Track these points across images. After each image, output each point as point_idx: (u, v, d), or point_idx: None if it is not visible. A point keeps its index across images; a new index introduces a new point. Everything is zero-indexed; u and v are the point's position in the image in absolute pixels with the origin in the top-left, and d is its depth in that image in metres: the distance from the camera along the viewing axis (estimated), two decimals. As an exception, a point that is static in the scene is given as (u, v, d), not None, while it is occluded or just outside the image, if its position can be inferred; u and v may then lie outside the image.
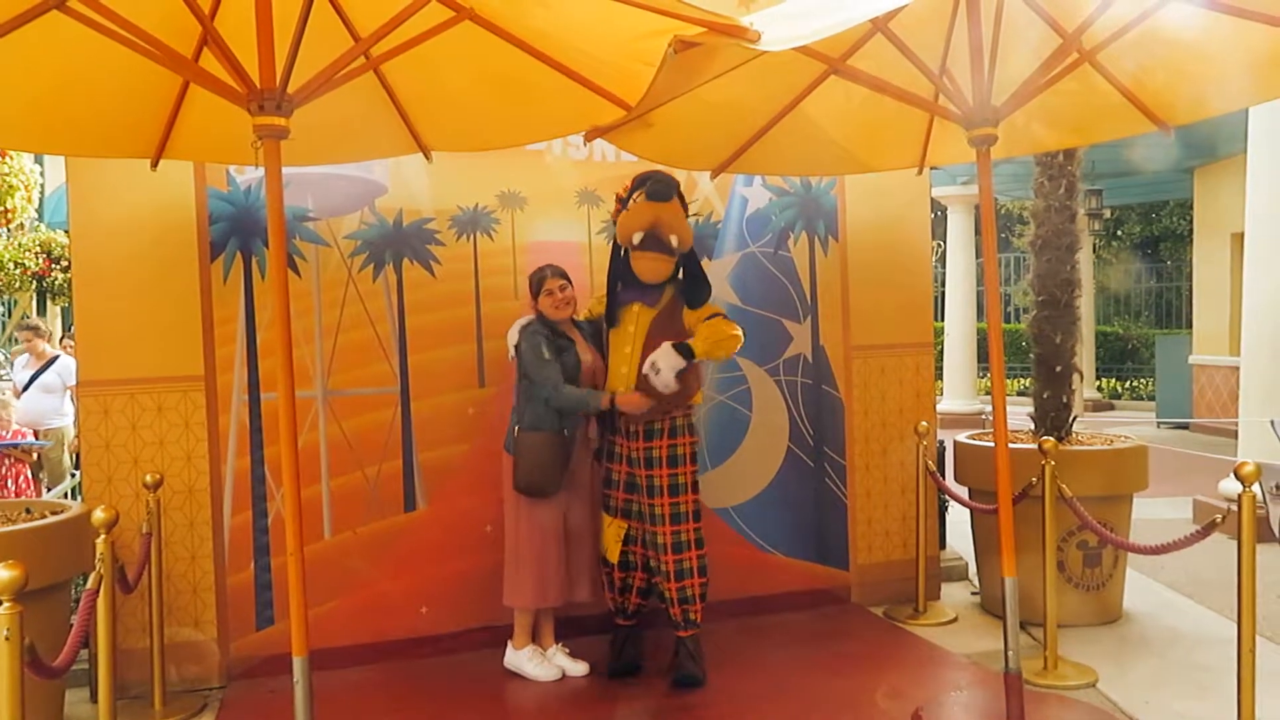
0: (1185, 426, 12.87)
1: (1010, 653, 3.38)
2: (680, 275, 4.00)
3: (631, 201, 3.93)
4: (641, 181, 3.93)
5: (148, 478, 3.82)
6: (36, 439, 7.20)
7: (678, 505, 3.87)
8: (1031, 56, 3.45)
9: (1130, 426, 11.33)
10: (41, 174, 6.72)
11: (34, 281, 9.58)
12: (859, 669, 4.07)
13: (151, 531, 3.75)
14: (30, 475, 6.41)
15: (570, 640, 4.15)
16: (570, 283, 4.02)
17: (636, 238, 3.85)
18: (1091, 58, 3.58)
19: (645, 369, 3.76)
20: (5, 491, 6.01)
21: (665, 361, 3.73)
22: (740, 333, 3.91)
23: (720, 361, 4.07)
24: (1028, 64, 3.44)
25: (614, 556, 4.00)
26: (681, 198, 3.98)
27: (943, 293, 14.58)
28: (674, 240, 3.86)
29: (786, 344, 4.94)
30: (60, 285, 9.59)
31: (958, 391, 13.82)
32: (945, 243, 14.09)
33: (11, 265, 9.28)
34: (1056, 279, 4.87)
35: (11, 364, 7.45)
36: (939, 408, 5.75)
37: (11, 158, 4.34)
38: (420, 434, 4.37)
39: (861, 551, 5.04)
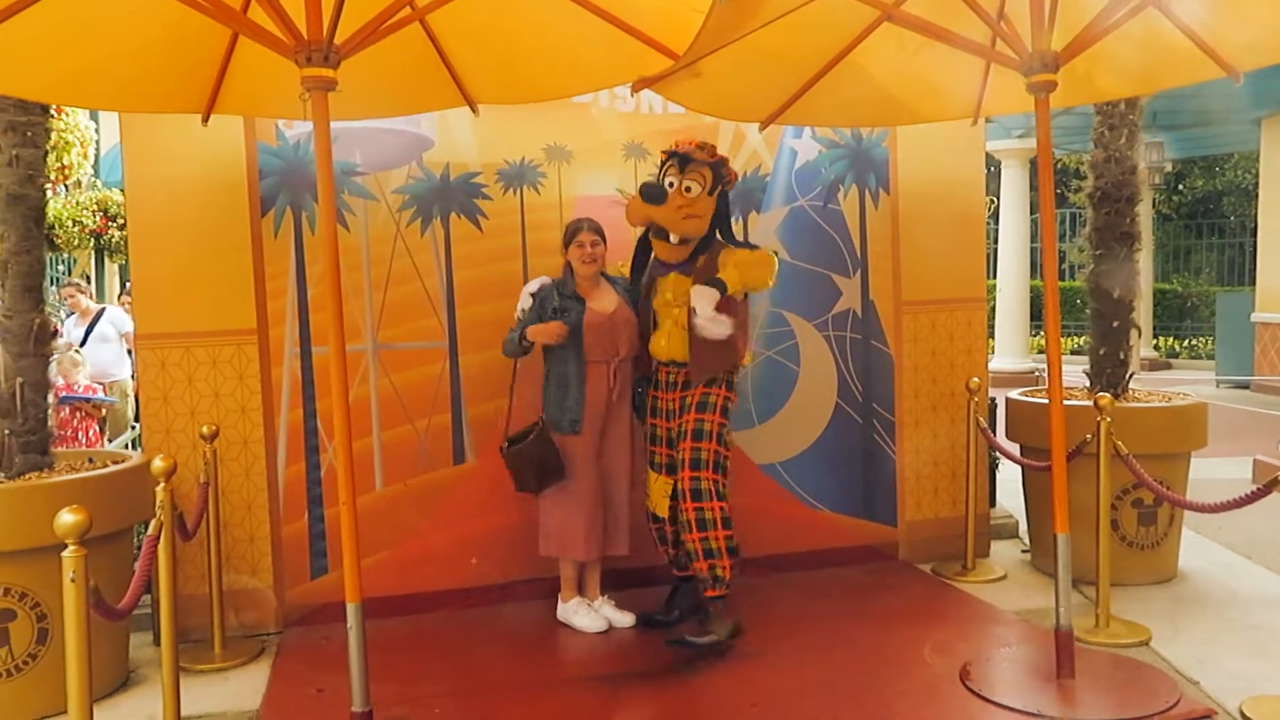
0: (1246, 386, 12.56)
1: (1061, 609, 3.35)
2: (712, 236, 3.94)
3: (630, 198, 3.96)
4: (668, 158, 3.91)
5: (204, 429, 3.90)
6: (105, 394, 7.42)
7: (698, 450, 3.76)
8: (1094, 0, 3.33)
9: (1188, 385, 11.09)
10: (96, 132, 6.83)
11: (91, 239, 9.77)
12: (906, 624, 4.06)
13: (209, 481, 3.84)
14: (99, 430, 6.60)
15: (619, 592, 4.19)
16: (604, 240, 4.00)
17: (642, 229, 3.97)
18: (1158, 1, 3.44)
19: (694, 321, 3.72)
20: (74, 444, 6.20)
21: (699, 301, 3.67)
22: (772, 254, 3.86)
23: (762, 290, 3.97)
24: (1090, 8, 3.32)
25: (664, 511, 4.01)
26: (719, 178, 3.85)
27: (995, 250, 14.30)
28: (674, 237, 3.85)
29: (835, 299, 4.88)
30: (117, 243, 9.77)
31: (1010, 350, 13.59)
32: (998, 198, 13.79)
33: (70, 223, 9.46)
34: (1115, 232, 4.75)
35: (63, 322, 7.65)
36: (990, 366, 5.66)
37: (67, 115, 4.40)
38: (468, 388, 4.40)
39: (910, 508, 5.01)
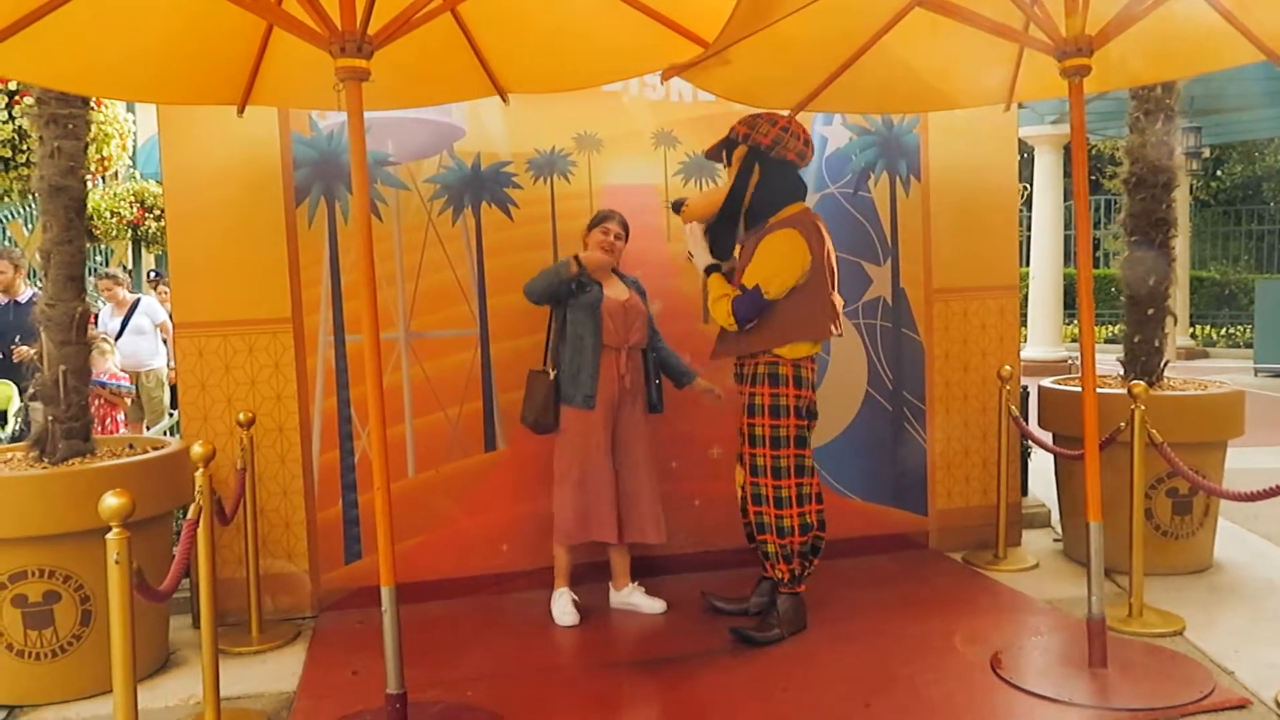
0: (1285, 375, 12.37)
1: (1094, 597, 3.33)
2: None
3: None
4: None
5: (241, 416, 3.96)
6: (139, 382, 7.55)
7: (754, 457, 3.77)
8: (1130, -18, 3.29)
9: (1226, 374, 10.93)
10: (134, 124, 6.92)
11: (129, 230, 9.91)
12: (937, 612, 4.05)
13: (246, 467, 3.90)
14: (124, 419, 6.70)
15: (649, 579, 4.22)
16: (627, 239, 4.06)
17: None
18: (1195, -18, 3.40)
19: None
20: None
21: (691, 243, 3.84)
22: (728, 320, 3.68)
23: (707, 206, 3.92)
24: (1126, -10, 3.29)
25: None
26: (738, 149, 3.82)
27: (1028, 237, 14.16)
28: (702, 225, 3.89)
29: (866, 286, 4.86)
30: (154, 234, 9.91)
31: (1043, 339, 13.47)
32: (1031, 185, 13.64)
33: (108, 214, 9.61)
34: (1151, 218, 4.69)
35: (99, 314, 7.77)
36: (1022, 355, 5.61)
37: (106, 107, 4.48)
38: (500, 375, 4.44)
39: (940, 496, 4.99)
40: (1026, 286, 13.21)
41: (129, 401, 6.93)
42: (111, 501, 2.34)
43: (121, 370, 7.35)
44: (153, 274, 9.77)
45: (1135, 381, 4.16)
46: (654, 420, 4.19)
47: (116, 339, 7.63)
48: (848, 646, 3.72)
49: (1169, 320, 4.78)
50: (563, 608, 4.05)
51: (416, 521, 4.35)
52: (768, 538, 3.77)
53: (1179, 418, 4.34)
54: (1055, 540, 5.12)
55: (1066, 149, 13.59)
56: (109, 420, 6.55)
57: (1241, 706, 3.12)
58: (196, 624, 3.94)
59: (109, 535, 2.34)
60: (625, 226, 4.05)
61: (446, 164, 4.37)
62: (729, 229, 3.86)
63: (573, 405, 3.97)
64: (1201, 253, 19.72)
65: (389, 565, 2.96)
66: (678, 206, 3.96)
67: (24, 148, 4.28)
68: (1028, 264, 13.72)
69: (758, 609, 3.99)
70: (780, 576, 3.79)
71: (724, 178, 3.81)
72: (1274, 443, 7.09)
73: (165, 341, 7.74)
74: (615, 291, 4.03)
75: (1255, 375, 12.74)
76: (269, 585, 4.17)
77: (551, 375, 3.98)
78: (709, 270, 3.80)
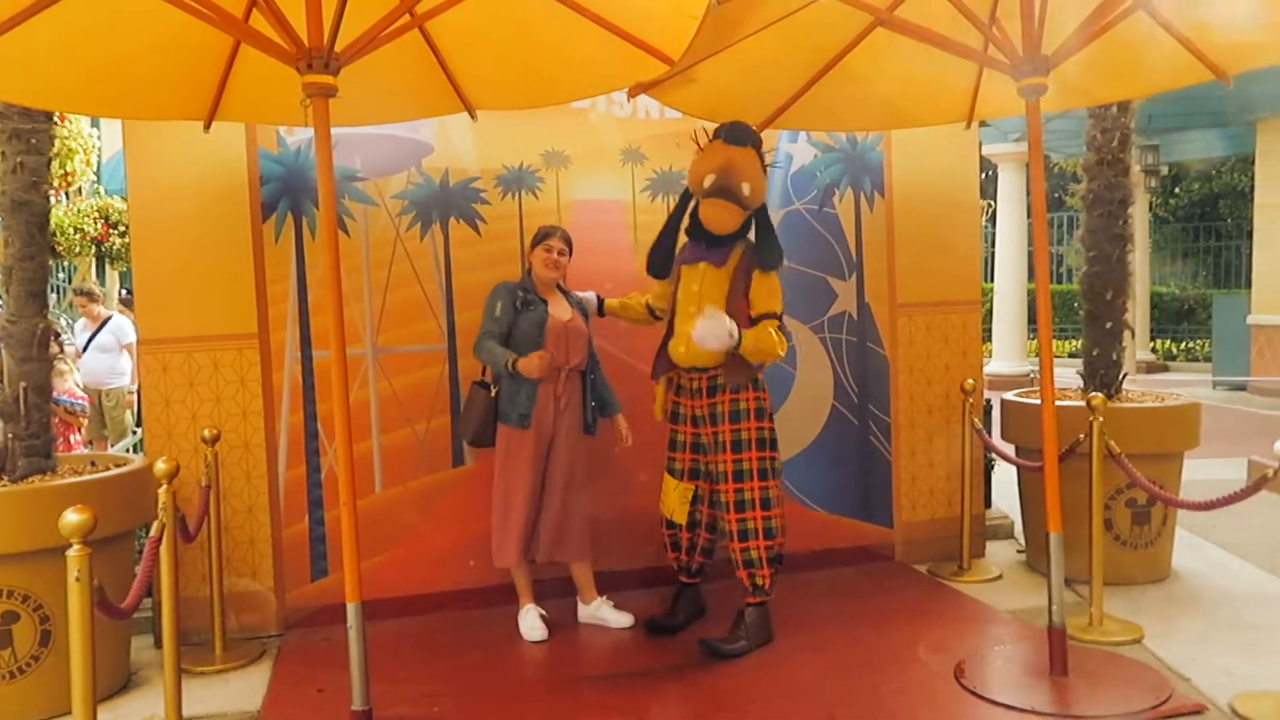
0: (1243, 387, 12.60)
1: (1055, 607, 3.38)
2: (751, 234, 3.87)
3: (708, 145, 3.81)
4: (720, 129, 3.81)
5: (205, 432, 3.93)
6: (100, 401, 7.48)
7: (740, 462, 3.81)
8: (1083, 3, 3.37)
9: (1185, 387, 11.12)
10: (99, 139, 6.86)
11: (93, 246, 9.79)
12: (902, 623, 4.09)
13: (210, 484, 3.87)
14: (80, 438, 6.62)
15: (618, 594, 4.23)
16: (570, 254, 4.06)
17: (708, 181, 3.69)
18: (1146, 4, 3.49)
19: (695, 336, 3.64)
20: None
21: (709, 333, 3.61)
22: (783, 353, 3.82)
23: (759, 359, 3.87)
24: (1081, 12, 3.37)
25: (681, 518, 4.01)
26: (759, 150, 3.80)
27: (992, 253, 14.35)
28: (746, 189, 3.68)
29: (831, 301, 4.92)
30: (118, 250, 9.79)
31: (1007, 353, 13.63)
32: (995, 202, 13.84)
33: (71, 230, 9.47)
34: (1108, 234, 4.78)
35: (73, 328, 7.71)
36: (987, 369, 5.70)
37: (70, 122, 4.44)
38: (467, 391, 4.43)
39: (906, 509, 5.04)
40: (990, 302, 13.38)
41: (84, 421, 6.85)
42: (72, 518, 2.32)
43: (84, 388, 7.28)
44: (124, 292, 9.66)
45: (1094, 394, 4.24)
46: (633, 432, 4.21)
47: (83, 351, 7.58)
48: (813, 658, 3.75)
49: (1126, 334, 4.88)
50: (530, 623, 4.04)
51: (383, 537, 4.33)
52: (754, 543, 3.79)
53: (1137, 429, 4.42)
54: (1019, 551, 5.19)
55: (1028, 166, 13.82)
56: (63, 439, 6.47)
57: (1197, 712, 3.18)
58: (159, 643, 3.92)
59: (69, 552, 2.32)
60: (568, 242, 4.06)
61: (415, 180, 4.38)
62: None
63: (508, 423, 3.97)
64: (1162, 268, 20.08)
65: (354, 582, 2.96)
66: (742, 136, 3.73)
67: (-15, 163, 4.22)
68: (992, 279, 13.91)
69: (686, 621, 4.05)
70: (761, 583, 3.83)
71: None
72: (1230, 454, 7.22)
73: (132, 359, 7.67)
74: (559, 311, 4.03)
75: (1214, 388, 12.98)
76: (233, 603, 4.13)
77: (493, 392, 3.98)
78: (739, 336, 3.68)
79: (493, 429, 4.00)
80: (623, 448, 4.23)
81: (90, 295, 7.93)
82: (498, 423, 4.00)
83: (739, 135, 3.74)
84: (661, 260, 3.99)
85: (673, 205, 4.04)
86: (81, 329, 7.86)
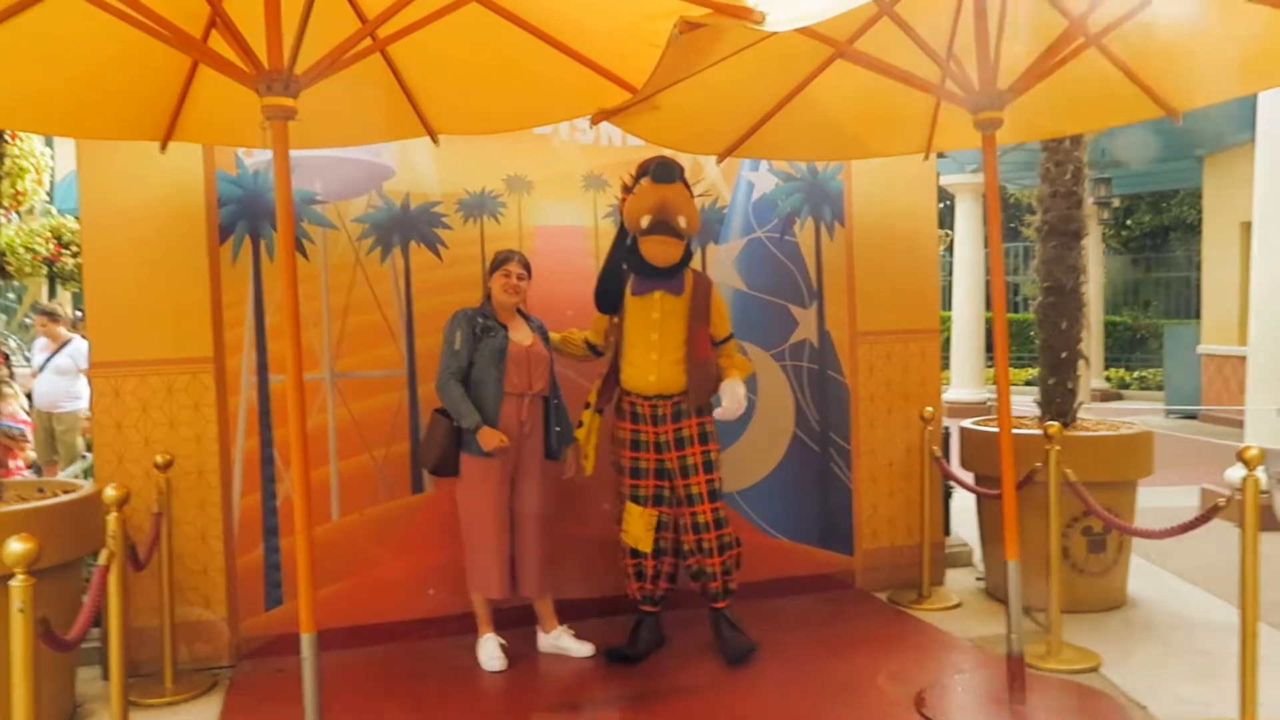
0: (1194, 416, 12.83)
1: (1013, 635, 3.40)
2: (695, 261, 4.08)
3: (637, 186, 3.97)
4: (646, 167, 3.96)
5: (158, 458, 3.85)
6: (51, 424, 7.34)
7: (713, 481, 3.99)
8: (1037, 40, 3.45)
9: (1138, 416, 11.31)
10: (52, 158, 6.75)
11: (45, 266, 9.60)
12: (862, 652, 4.09)
13: (162, 511, 3.79)
14: (22, 464, 6.48)
15: (578, 623, 4.18)
16: (530, 278, 4.04)
17: (644, 221, 3.88)
18: (1098, 41, 3.57)
19: (719, 416, 3.95)
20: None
21: (734, 402, 3.95)
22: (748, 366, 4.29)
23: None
24: (1034, 48, 3.44)
25: (647, 546, 4.00)
26: (686, 181, 3.99)
27: (950, 282, 14.55)
28: (682, 222, 3.89)
29: (792, 329, 4.95)
30: (71, 270, 9.61)
31: (965, 381, 13.80)
32: (953, 231, 14.04)
33: (22, 250, 9.29)
34: (1062, 265, 4.87)
35: (30, 348, 7.57)
36: (946, 397, 5.74)
37: (22, 140, 4.36)
38: (427, 417, 4.36)
39: (866, 537, 5.06)
40: (949, 330, 13.55)
41: (27, 445, 6.71)
42: (16, 547, 2.26)
43: (36, 410, 7.15)
44: (78, 314, 9.49)
45: (1050, 422, 4.29)
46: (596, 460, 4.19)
47: (39, 372, 7.44)
48: (775, 687, 3.73)
49: (1081, 363, 4.95)
50: (490, 653, 3.99)
51: (340, 565, 4.26)
52: (732, 553, 4.03)
53: (1092, 458, 4.48)
54: (978, 579, 5.22)
55: (985, 197, 14.04)
56: (6, 464, 6.32)
57: (1154, 740, 3.21)
58: (106, 675, 3.81)
59: (13, 582, 2.25)
60: (527, 266, 4.04)
61: (375, 203, 4.36)
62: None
63: (470, 452, 3.92)
64: (1115, 298, 20.46)
65: (309, 611, 2.90)
66: (669, 174, 3.90)
67: (-67, 181, 4.15)
68: (950, 308, 14.09)
69: (646, 651, 4.06)
70: (733, 587, 4.07)
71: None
72: (1183, 481, 7.34)
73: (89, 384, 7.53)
74: (520, 336, 4.01)
75: (1166, 416, 13.21)
76: (184, 633, 4.03)
77: (455, 420, 3.93)
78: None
79: (455, 458, 3.96)
80: (582, 476, 4.21)
81: (52, 315, 7.81)
82: (460, 451, 3.95)
83: (667, 173, 3.89)
84: (613, 297, 4.05)
85: None
86: (40, 349, 7.71)
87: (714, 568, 3.99)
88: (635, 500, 4.02)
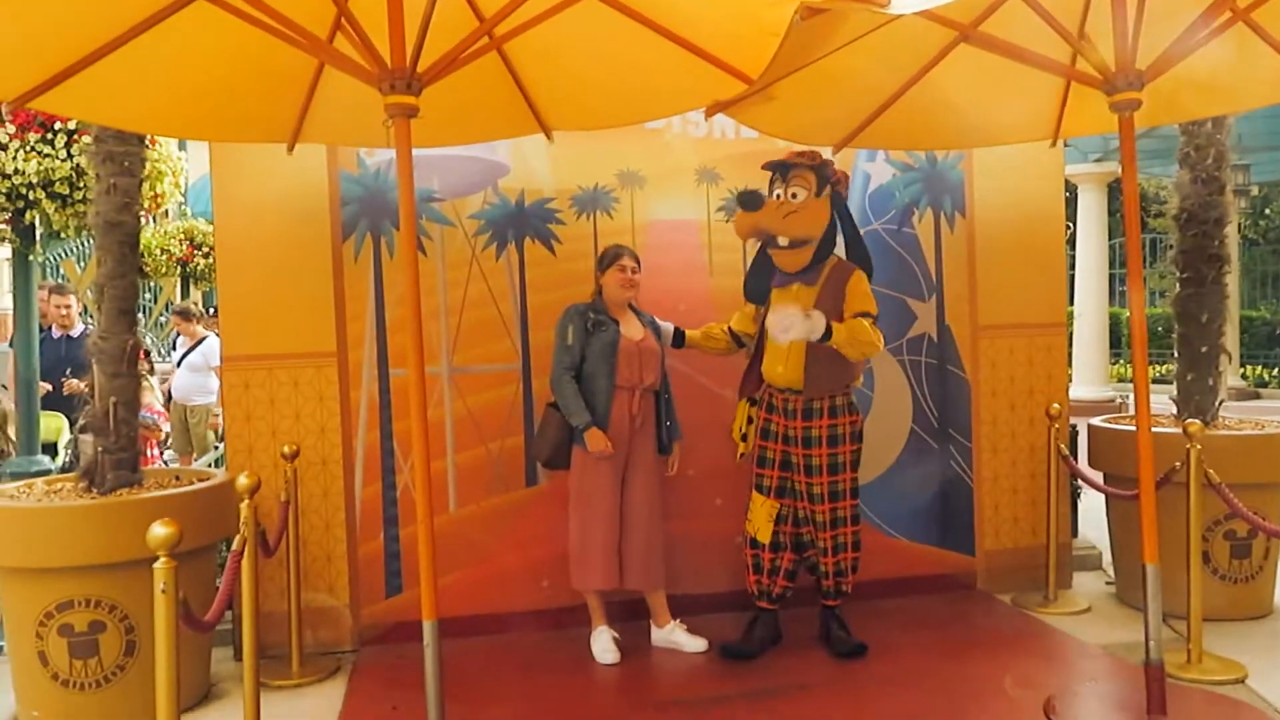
0: (1341, 416, 12.03)
1: (1152, 642, 3.22)
2: (839, 243, 3.98)
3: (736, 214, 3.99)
4: (767, 169, 3.98)
5: (285, 448, 3.98)
6: (185, 416, 7.78)
7: (835, 484, 3.90)
8: (1180, 16, 3.26)
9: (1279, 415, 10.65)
10: (185, 162, 7.09)
11: (178, 267, 10.11)
12: (986, 655, 3.95)
13: (289, 500, 3.92)
14: (157, 451, 6.83)
15: (692, 618, 4.16)
16: (640, 270, 4.03)
17: (750, 242, 3.98)
18: (1246, 16, 3.36)
19: (772, 328, 3.76)
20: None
21: (798, 328, 3.70)
22: (881, 343, 3.90)
23: (854, 355, 3.91)
24: (1176, 25, 3.25)
25: (765, 537, 3.98)
26: (823, 180, 3.90)
27: (1072, 276, 14.00)
28: (783, 241, 3.85)
29: (910, 323, 4.81)
30: (202, 270, 10.10)
31: (1088, 378, 13.24)
32: (1075, 224, 13.49)
33: (158, 252, 9.81)
34: (1203, 255, 4.60)
35: (166, 345, 8.01)
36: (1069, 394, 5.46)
37: (160, 145, 4.58)
38: (541, 411, 4.42)
39: (988, 537, 4.89)
40: (1071, 325, 13.03)
41: (160, 435, 7.07)
42: (159, 531, 2.35)
43: (176, 401, 7.59)
44: (211, 311, 9.97)
45: (1190, 420, 4.07)
46: (707, 453, 4.16)
47: (177, 368, 7.91)
48: (896, 689, 3.64)
49: (1223, 358, 4.68)
50: (603, 646, 4.00)
51: (457, 556, 4.34)
52: (845, 555, 3.98)
53: (1236, 458, 4.22)
54: (1108, 583, 4.98)
55: (1110, 187, 13.45)
56: (145, 452, 6.66)
57: (1309, 759, 3.00)
58: (237, 656, 3.97)
59: (156, 565, 2.35)
60: (637, 260, 4.05)
61: (491, 200, 4.41)
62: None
63: (582, 445, 3.94)
64: (1251, 291, 19.35)
65: (431, 599, 2.94)
66: (752, 203, 3.87)
67: (81, 185, 4.37)
68: (1072, 303, 13.55)
69: (761, 648, 4.01)
70: (846, 589, 4.04)
71: (803, 197, 3.86)
72: (1333, 485, 6.87)
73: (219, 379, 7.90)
74: (631, 331, 4.01)
75: (1310, 416, 12.41)
76: (310, 618, 4.17)
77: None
78: (828, 329, 3.74)
79: (567, 451, 3.98)
80: (696, 471, 4.18)
81: (185, 314, 8.29)
82: (573, 445, 3.97)
83: (750, 202, 3.87)
84: (759, 286, 4.04)
85: None
86: (182, 347, 8.22)
87: (826, 565, 3.97)
88: (759, 489, 4.00)
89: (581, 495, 3.99)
